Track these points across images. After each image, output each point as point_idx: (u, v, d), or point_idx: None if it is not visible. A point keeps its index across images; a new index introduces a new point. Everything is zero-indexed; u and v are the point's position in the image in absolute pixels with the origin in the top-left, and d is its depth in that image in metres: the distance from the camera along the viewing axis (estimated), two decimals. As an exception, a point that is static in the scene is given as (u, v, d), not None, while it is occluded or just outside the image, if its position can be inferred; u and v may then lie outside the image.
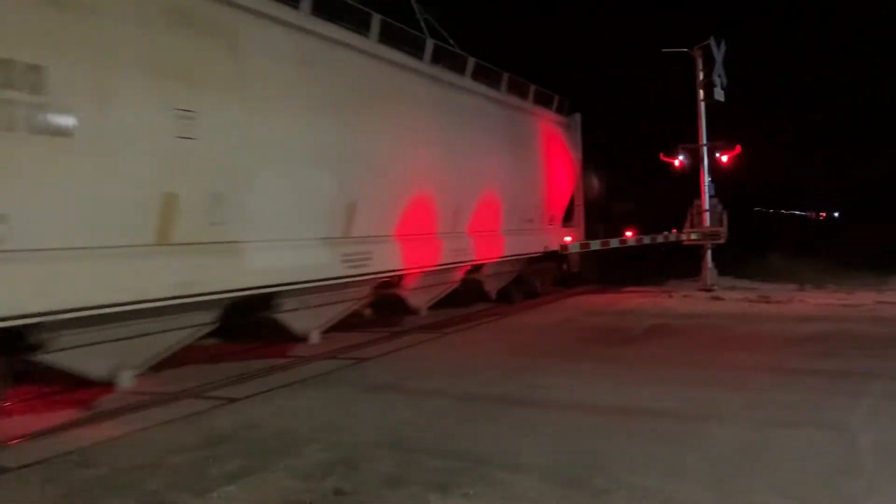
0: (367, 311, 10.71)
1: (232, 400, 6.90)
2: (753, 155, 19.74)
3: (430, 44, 11.01)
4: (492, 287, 13.32)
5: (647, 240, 17.69)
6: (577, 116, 16.53)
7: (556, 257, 15.64)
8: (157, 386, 7.38)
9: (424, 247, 10.80)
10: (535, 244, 14.40)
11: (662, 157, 17.96)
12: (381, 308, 11.33)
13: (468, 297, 13.31)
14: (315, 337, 9.11)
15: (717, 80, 16.07)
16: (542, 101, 15.16)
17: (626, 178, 19.64)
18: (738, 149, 16.69)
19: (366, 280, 9.69)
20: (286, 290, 8.22)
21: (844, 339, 9.17)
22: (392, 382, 7.48)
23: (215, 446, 5.32)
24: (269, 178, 7.83)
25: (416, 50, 10.68)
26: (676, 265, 18.46)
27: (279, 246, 7.99)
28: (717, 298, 14.17)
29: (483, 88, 12.60)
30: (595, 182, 17.77)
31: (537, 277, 15.30)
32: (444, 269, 11.40)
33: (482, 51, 12.75)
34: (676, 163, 17.27)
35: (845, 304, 12.64)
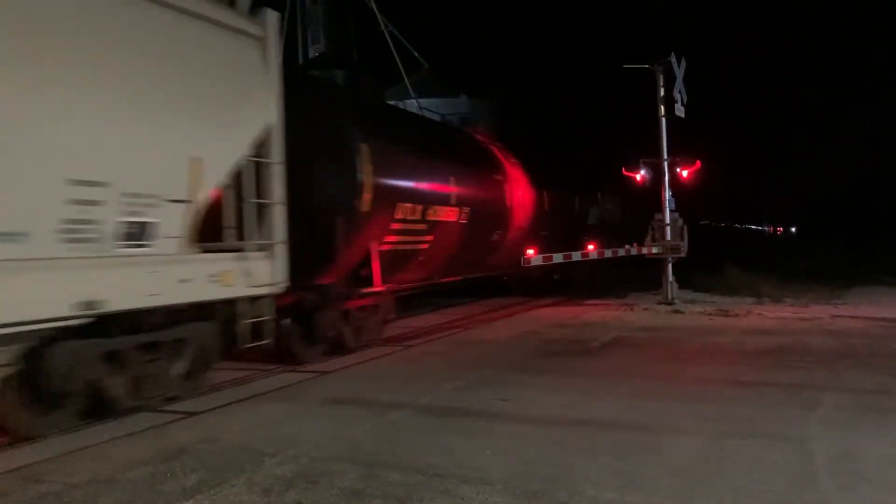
0: None
1: (190, 414, 6.79)
2: (714, 170, 20.14)
3: None
4: None
5: (608, 253, 17.85)
6: (274, 17, 8.00)
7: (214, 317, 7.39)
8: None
9: None
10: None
11: (624, 172, 18.17)
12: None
13: None
14: None
15: (677, 97, 16.31)
16: None
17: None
18: (699, 164, 16.97)
19: None
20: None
21: (800, 352, 9.35)
22: (352, 395, 7.43)
23: (173, 461, 5.23)
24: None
25: None
26: (639, 278, 18.70)
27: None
28: (677, 312, 14.33)
29: None
30: (363, 155, 9.56)
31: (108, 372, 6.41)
32: None
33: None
34: (638, 177, 17.51)
35: (801, 317, 12.89)
